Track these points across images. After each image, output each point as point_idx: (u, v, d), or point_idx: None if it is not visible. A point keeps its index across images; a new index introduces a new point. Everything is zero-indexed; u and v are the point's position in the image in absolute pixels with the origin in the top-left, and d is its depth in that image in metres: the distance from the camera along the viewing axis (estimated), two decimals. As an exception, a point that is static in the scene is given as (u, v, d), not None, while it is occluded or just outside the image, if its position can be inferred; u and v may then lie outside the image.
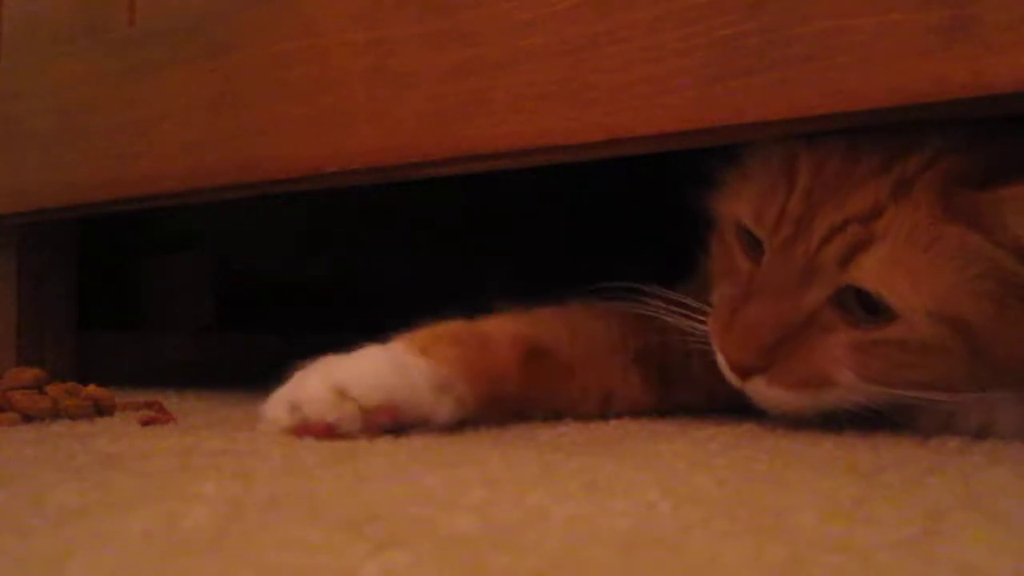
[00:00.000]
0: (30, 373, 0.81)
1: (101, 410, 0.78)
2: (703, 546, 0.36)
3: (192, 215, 1.12)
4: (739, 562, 0.33)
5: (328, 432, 0.59)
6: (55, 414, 0.75)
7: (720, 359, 0.67)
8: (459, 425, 0.72)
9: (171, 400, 0.86)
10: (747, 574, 0.32)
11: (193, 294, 1.24)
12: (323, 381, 0.59)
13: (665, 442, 0.61)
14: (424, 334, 0.64)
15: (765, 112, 0.62)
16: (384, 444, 0.60)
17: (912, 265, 0.60)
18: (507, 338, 0.68)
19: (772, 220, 0.65)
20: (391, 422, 0.60)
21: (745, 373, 0.65)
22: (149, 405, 0.80)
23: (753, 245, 0.67)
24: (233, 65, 0.86)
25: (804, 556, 0.34)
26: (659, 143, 0.67)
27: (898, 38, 0.57)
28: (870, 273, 0.61)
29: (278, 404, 0.60)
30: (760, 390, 0.65)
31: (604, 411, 0.74)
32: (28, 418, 0.74)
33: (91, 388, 0.79)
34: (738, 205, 0.68)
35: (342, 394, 0.59)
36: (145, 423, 0.72)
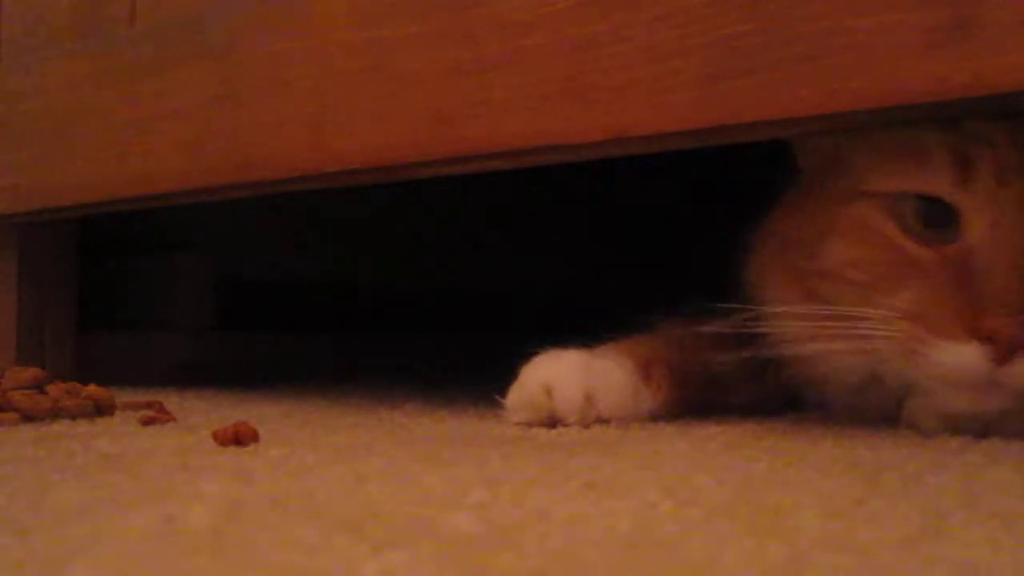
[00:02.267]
0: (30, 373, 0.81)
1: (101, 410, 0.78)
2: (703, 546, 0.35)
3: (192, 214, 1.12)
4: (739, 562, 0.33)
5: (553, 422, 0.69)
6: (55, 414, 0.75)
7: (966, 352, 0.60)
8: (459, 424, 0.72)
9: (171, 400, 0.86)
10: (747, 574, 0.32)
11: (193, 294, 1.24)
12: (578, 386, 0.69)
13: (665, 442, 0.61)
14: (649, 359, 0.73)
15: (765, 112, 0.62)
16: (384, 444, 0.61)
17: None
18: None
19: (991, 175, 0.61)
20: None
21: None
22: (149, 405, 0.80)
23: (930, 225, 0.63)
24: (233, 65, 0.86)
25: (804, 556, 0.34)
26: (659, 143, 0.67)
27: (898, 38, 0.57)
28: None
29: (535, 383, 0.69)
30: None
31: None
32: (28, 418, 0.74)
33: (91, 388, 0.79)
34: (912, 181, 0.64)
35: (590, 400, 0.69)
36: (145, 423, 0.72)
